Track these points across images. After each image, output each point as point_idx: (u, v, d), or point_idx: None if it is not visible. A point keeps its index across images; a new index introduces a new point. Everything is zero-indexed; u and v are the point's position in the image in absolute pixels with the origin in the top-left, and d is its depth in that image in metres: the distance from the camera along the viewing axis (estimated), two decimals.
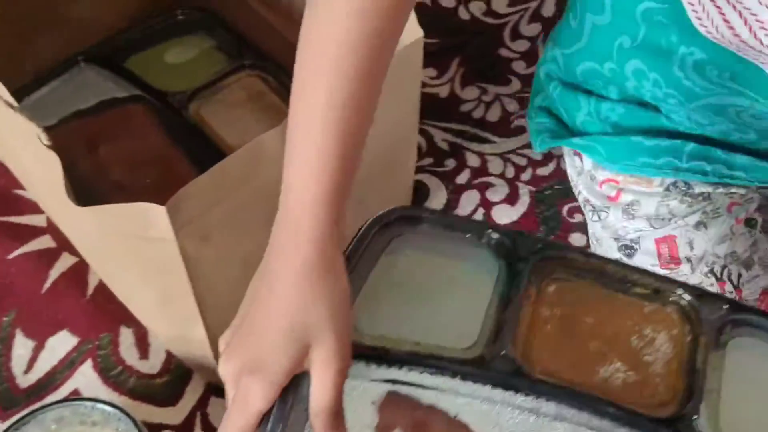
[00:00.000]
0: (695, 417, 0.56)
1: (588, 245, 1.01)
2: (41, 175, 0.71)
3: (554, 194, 1.06)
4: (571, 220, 1.04)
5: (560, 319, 0.62)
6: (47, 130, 0.62)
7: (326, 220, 0.54)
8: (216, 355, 0.80)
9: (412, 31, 0.77)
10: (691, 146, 0.83)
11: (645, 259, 0.88)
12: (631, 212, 0.87)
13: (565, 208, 1.05)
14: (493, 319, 0.59)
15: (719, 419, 0.56)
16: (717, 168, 0.84)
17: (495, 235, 0.64)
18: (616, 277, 0.63)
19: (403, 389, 0.56)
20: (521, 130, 1.13)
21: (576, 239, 1.02)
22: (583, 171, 0.91)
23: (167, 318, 0.78)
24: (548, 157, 1.10)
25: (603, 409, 0.55)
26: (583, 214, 1.04)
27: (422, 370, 0.56)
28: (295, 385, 0.52)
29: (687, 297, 0.62)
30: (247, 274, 0.73)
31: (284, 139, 0.56)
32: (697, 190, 0.86)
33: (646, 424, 0.55)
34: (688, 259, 0.85)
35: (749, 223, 0.88)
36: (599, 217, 0.91)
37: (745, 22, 0.63)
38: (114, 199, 0.64)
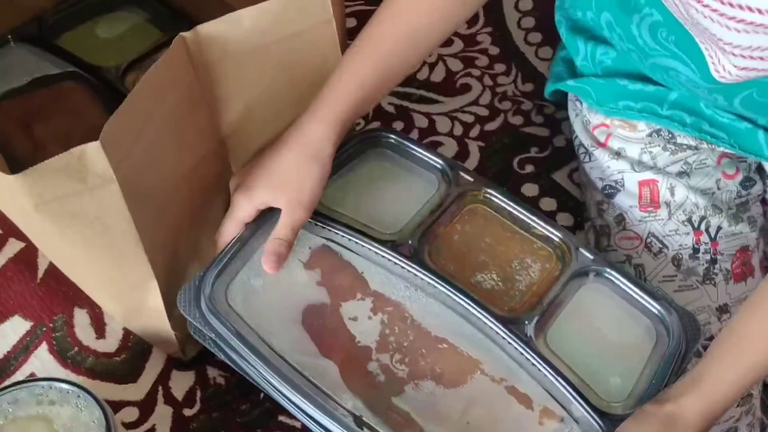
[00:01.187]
0: (526, 322, 0.75)
1: (539, 196, 1.02)
2: None
3: (504, 148, 1.06)
4: (522, 172, 1.03)
5: (467, 234, 0.83)
6: None
7: (335, 119, 0.76)
8: (173, 326, 0.79)
9: None
10: (675, 95, 0.85)
11: (625, 200, 0.89)
12: (618, 154, 0.90)
13: (516, 161, 1.05)
14: (417, 220, 0.82)
15: (546, 331, 0.76)
16: (697, 122, 0.85)
17: (442, 163, 0.87)
18: (524, 219, 0.84)
19: (334, 246, 0.79)
20: (467, 88, 1.13)
21: (528, 189, 1.02)
22: (581, 114, 0.94)
23: (119, 289, 0.76)
24: (495, 112, 1.10)
25: (462, 297, 0.76)
26: (533, 166, 1.05)
27: (351, 238, 0.79)
28: (272, 218, 0.76)
29: (567, 245, 0.82)
30: (177, 220, 0.76)
31: (175, 65, 0.72)
32: (681, 140, 0.88)
33: (489, 315, 0.75)
34: (667, 204, 0.87)
35: (745, 183, 0.89)
36: (589, 158, 0.93)
37: None
38: None
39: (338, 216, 0.80)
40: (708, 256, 0.86)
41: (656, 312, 0.79)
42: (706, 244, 0.86)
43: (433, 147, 0.96)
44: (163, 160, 0.73)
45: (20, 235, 0.88)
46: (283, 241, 0.74)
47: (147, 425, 0.79)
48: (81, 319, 0.86)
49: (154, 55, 0.93)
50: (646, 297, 0.79)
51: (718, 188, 0.87)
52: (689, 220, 0.86)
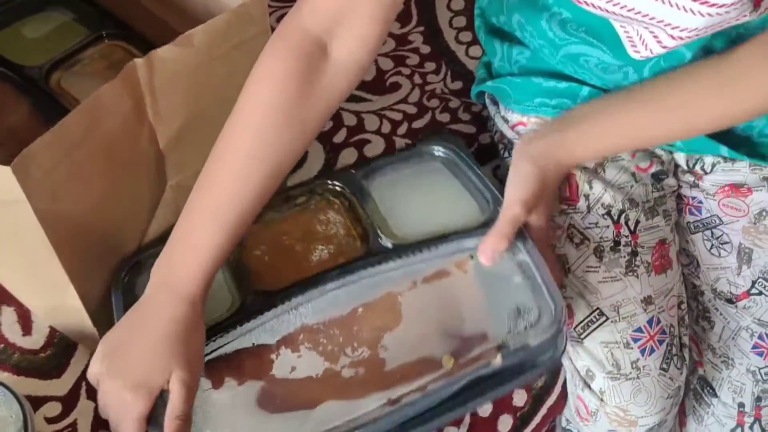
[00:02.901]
0: (380, 238, 0.83)
1: None
2: None
3: None
4: None
5: (269, 252, 0.85)
6: None
7: (202, 287, 0.71)
8: (95, 323, 0.80)
9: None
10: (587, 90, 0.88)
11: None
12: None
13: None
14: (230, 280, 0.82)
15: (389, 228, 0.85)
16: None
17: None
18: (283, 202, 0.88)
19: (213, 356, 0.76)
20: (396, 86, 1.15)
21: None
22: (499, 112, 0.98)
23: (39, 289, 0.77)
24: (423, 109, 1.12)
25: (323, 279, 0.79)
26: None
27: (216, 339, 0.76)
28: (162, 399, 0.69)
29: (336, 185, 0.89)
30: (98, 229, 0.76)
31: (122, 91, 0.69)
32: None
33: (353, 266, 0.81)
34: (586, 197, 0.89)
35: (657, 176, 0.92)
36: (509, 154, 0.95)
37: None
38: None
39: None
40: (629, 249, 0.88)
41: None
42: (626, 237, 0.88)
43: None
44: (90, 179, 0.72)
45: None
46: (182, 419, 0.69)
47: (69, 419, 0.81)
48: (8, 317, 0.87)
49: (79, 53, 0.94)
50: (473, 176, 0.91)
51: (636, 181, 0.90)
52: (608, 214, 0.88)
